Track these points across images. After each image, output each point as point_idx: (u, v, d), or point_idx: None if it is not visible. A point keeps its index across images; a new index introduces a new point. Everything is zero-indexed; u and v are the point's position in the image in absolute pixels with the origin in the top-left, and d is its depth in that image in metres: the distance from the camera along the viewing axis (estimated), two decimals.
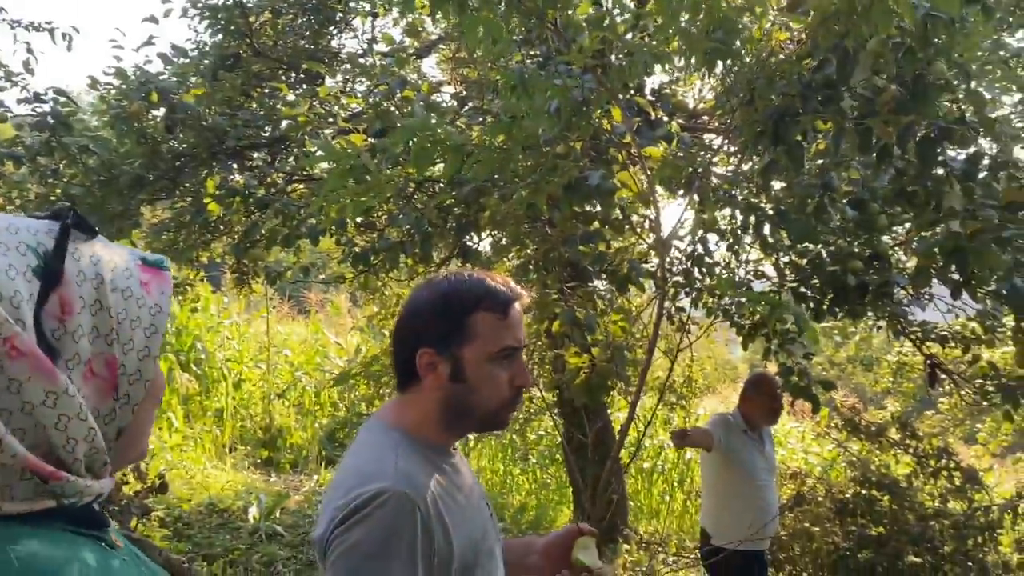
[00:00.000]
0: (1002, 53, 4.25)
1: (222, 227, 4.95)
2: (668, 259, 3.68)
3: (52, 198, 4.48)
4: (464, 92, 5.50)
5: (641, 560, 6.47)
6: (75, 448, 0.74)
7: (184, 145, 4.36)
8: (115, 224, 4.26)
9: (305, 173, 5.15)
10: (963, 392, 5.23)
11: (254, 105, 4.88)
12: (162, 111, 4.34)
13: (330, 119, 4.70)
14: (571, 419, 6.27)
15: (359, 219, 3.86)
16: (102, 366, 0.76)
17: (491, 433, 1.73)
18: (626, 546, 6.57)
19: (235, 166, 5.00)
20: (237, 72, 4.73)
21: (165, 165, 4.38)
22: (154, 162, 4.33)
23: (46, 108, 4.19)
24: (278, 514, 6.10)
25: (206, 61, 4.85)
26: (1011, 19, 4.05)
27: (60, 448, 0.73)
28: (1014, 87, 4.56)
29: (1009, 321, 3.84)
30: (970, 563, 5.95)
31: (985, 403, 4.58)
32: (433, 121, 2.39)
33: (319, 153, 2.84)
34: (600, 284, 4.14)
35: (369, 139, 3.73)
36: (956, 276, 2.83)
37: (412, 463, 1.30)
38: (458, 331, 1.36)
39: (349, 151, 2.77)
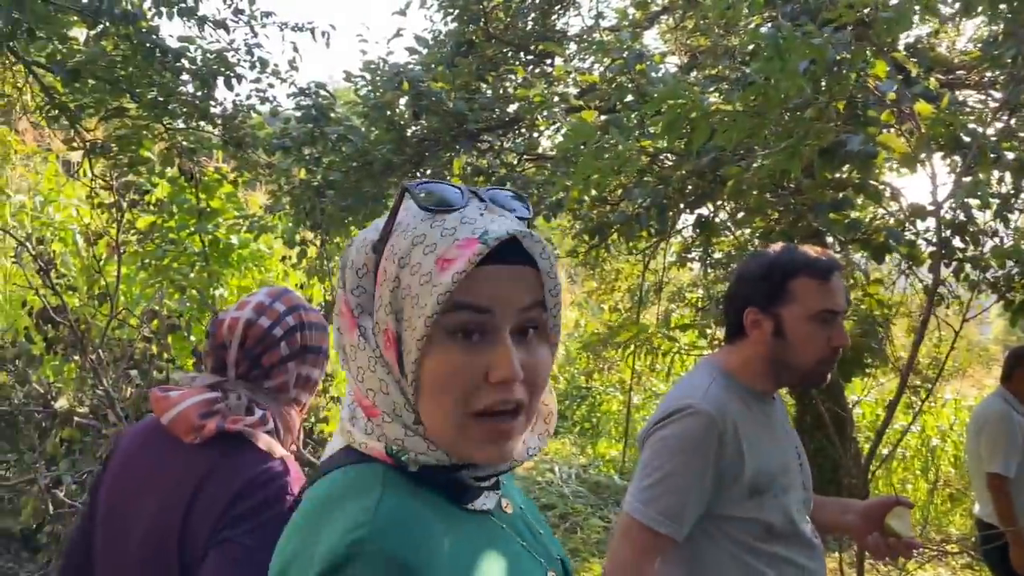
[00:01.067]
0: None
1: None
2: (938, 227, 3.41)
3: (314, 184, 4.96)
4: (690, 62, 5.39)
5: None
6: (375, 398, 0.77)
7: (427, 130, 4.66)
8: (369, 205, 4.64)
9: (535, 152, 5.31)
10: None
11: (489, 89, 5.10)
12: (406, 99, 4.66)
13: (559, 98, 4.81)
14: (802, 398, 6.01)
15: (594, 192, 3.92)
16: (391, 339, 0.77)
17: (809, 387, 1.79)
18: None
19: (472, 148, 5.27)
20: (472, 57, 4.96)
21: (411, 149, 4.70)
22: (401, 147, 4.66)
23: (309, 102, 4.64)
24: None
25: (444, 49, 5.12)
26: None
27: (371, 409, 0.78)
28: None
29: None
30: None
31: None
32: (683, 90, 2.38)
33: (563, 131, 2.92)
34: (853, 255, 3.92)
35: (600, 116, 3.78)
36: None
37: (723, 393, 1.56)
38: (781, 293, 1.57)
39: (593, 129, 2.83)
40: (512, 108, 4.77)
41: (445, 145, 4.56)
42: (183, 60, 4.37)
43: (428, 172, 4.84)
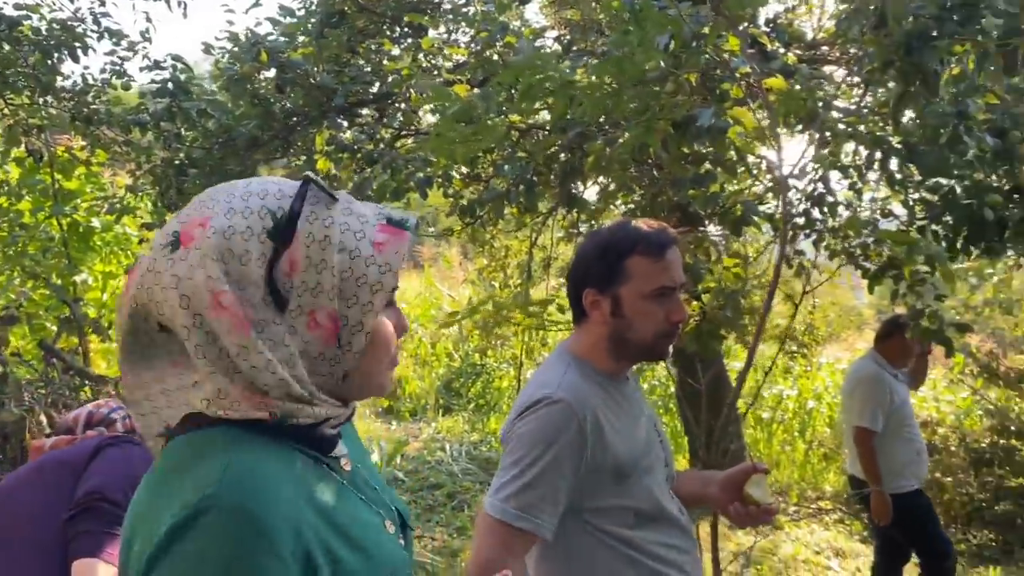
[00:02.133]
0: None
1: (335, 184, 5.07)
2: (787, 199, 3.50)
3: (176, 162, 4.69)
4: (568, 35, 5.36)
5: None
6: (270, 391, 0.84)
7: (295, 104, 4.46)
8: None
9: (412, 128, 5.18)
10: None
11: (361, 62, 4.93)
12: (273, 72, 4.45)
13: (434, 71, 4.69)
14: (686, 368, 6.17)
15: (465, 170, 3.86)
16: (325, 318, 0.86)
17: (652, 361, 1.83)
18: None
19: (345, 123, 5.09)
20: (343, 29, 4.78)
21: (278, 125, 4.50)
22: (268, 122, 4.45)
23: (166, 75, 4.37)
24: (399, 460, 6.32)
25: (312, 20, 4.91)
26: None
27: (259, 388, 0.84)
28: None
29: None
30: None
31: None
32: (539, 61, 2.33)
33: (427, 97, 2.82)
34: (714, 229, 4.00)
35: (473, 89, 3.70)
36: None
37: (578, 380, 1.55)
38: (616, 273, 1.57)
39: (455, 96, 2.75)
40: (389, 80, 4.63)
41: (313, 120, 4.38)
42: (21, 29, 4.03)
43: (298, 146, 4.65)
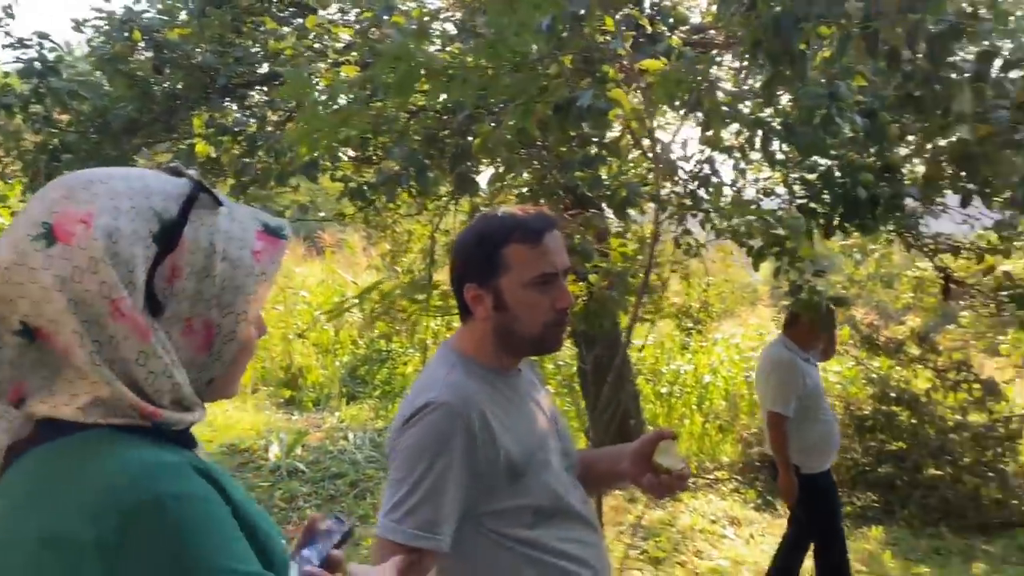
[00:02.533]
0: None
1: (224, 168, 4.89)
2: (673, 180, 3.58)
3: (50, 147, 4.43)
4: (460, 17, 5.32)
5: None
6: (161, 397, 0.84)
7: (176, 86, 4.27)
8: None
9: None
10: (980, 304, 5.12)
11: (248, 42, 4.76)
12: (151, 52, 4.25)
13: (322, 52, 4.58)
14: (588, 347, 6.26)
15: (354, 153, 3.78)
16: (201, 326, 0.86)
17: (545, 354, 1.78)
18: None
19: (234, 106, 4.90)
20: (226, 8, 4.59)
21: (158, 107, 4.30)
22: (147, 105, 4.25)
23: (32, 54, 4.11)
24: (299, 451, 6.20)
25: None
26: None
27: (150, 395, 0.83)
28: None
29: None
30: (990, 473, 5.95)
31: (1004, 314, 4.49)
32: (412, 45, 2.29)
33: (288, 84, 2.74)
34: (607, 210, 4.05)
35: (362, 71, 3.63)
36: (968, 184, 2.72)
37: (464, 379, 1.49)
38: (494, 265, 1.50)
39: (309, 82, 2.69)
40: (274, 63, 4.48)
41: (195, 102, 4.21)
42: None
43: (181, 130, 4.46)
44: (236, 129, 3.69)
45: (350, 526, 1.13)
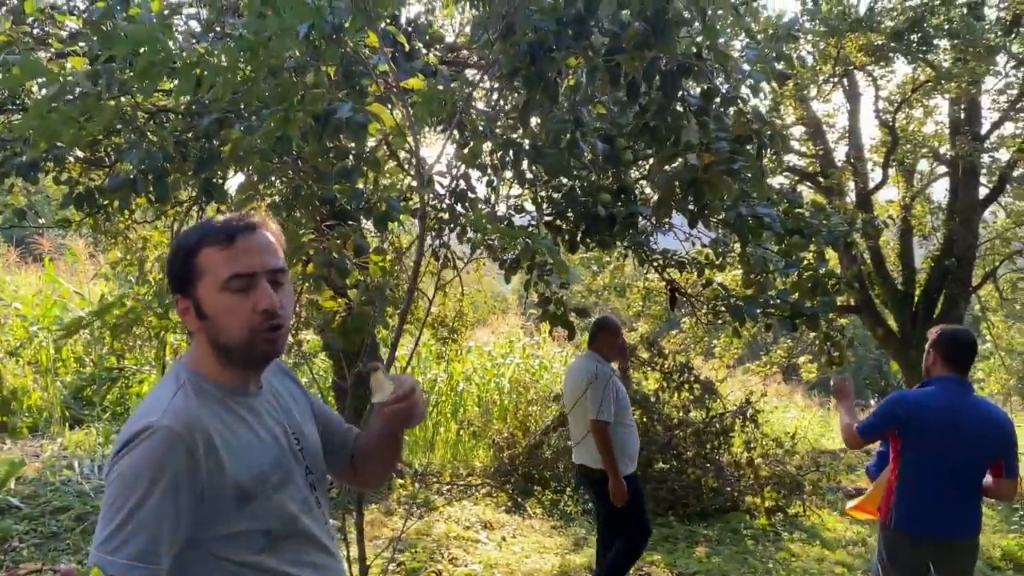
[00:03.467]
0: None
1: None
2: (432, 195, 3.64)
3: None
4: (207, 16, 5.01)
5: (416, 493, 6.58)
6: None
7: None
8: None
9: (19, 102, 4.48)
10: (700, 312, 5.75)
11: None
12: None
13: (43, 41, 4.10)
14: (340, 361, 6.14)
15: (82, 154, 3.40)
16: None
17: (261, 363, 1.61)
18: (400, 480, 6.64)
19: None
20: None
21: None
22: None
23: None
24: (13, 484, 5.45)
25: None
26: None
27: None
28: (742, 32, 4.95)
29: (737, 247, 4.23)
30: (708, 464, 6.69)
31: (719, 321, 5.07)
32: (161, 34, 2.12)
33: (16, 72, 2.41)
34: (367, 224, 4.01)
35: (89, 63, 3.29)
36: (692, 207, 3.04)
37: (188, 401, 1.40)
38: (190, 273, 1.43)
39: (62, 73, 2.40)
40: None
41: None
42: None
43: None
44: None
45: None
